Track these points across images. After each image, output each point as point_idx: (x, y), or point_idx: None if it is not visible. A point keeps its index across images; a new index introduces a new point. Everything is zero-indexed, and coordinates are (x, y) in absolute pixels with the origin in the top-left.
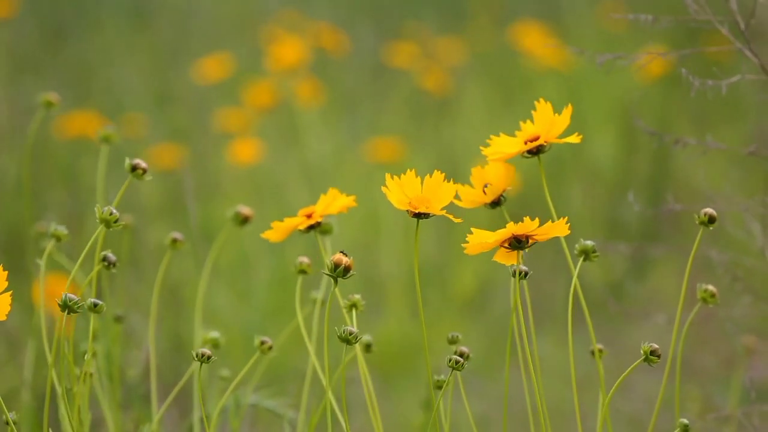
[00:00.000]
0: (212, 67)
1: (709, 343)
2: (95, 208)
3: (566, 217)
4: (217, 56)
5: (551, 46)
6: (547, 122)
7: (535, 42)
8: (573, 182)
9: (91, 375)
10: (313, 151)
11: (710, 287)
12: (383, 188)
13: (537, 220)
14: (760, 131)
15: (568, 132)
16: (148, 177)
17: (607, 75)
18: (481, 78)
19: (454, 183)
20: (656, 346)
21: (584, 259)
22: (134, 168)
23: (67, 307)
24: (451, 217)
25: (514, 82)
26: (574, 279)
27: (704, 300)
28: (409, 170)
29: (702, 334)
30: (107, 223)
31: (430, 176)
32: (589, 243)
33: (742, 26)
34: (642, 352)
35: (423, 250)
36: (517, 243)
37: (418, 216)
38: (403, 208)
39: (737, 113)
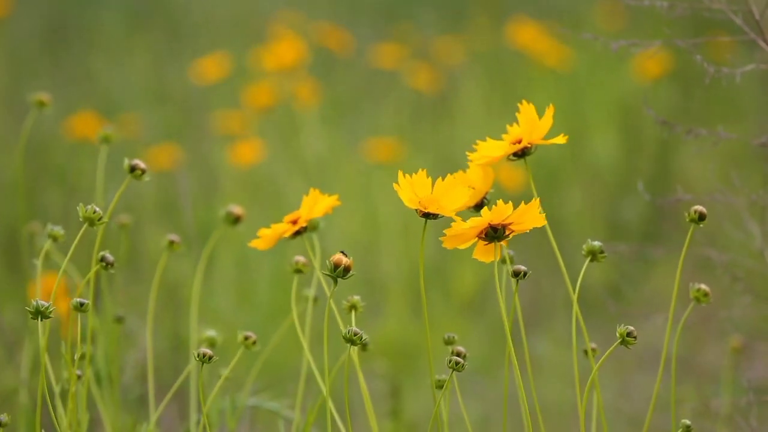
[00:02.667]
0: (210, 67)
1: (710, 342)
2: (78, 207)
3: (538, 199)
4: (214, 56)
5: (559, 39)
6: (530, 124)
7: (534, 41)
8: (573, 182)
9: (81, 376)
10: (311, 151)
11: (703, 286)
12: (395, 185)
13: (510, 204)
14: (762, 128)
15: (566, 132)
16: (146, 177)
17: (608, 74)
18: (480, 78)
19: None
20: (632, 328)
21: (591, 260)
22: (133, 168)
23: (39, 313)
24: (459, 219)
25: (513, 82)
26: (579, 280)
27: (697, 299)
28: (420, 170)
29: (702, 334)
30: (91, 221)
31: (442, 178)
32: (597, 243)
33: (757, 16)
34: (618, 334)
35: (424, 251)
36: (493, 233)
37: (427, 216)
38: (414, 206)
39: (739, 112)
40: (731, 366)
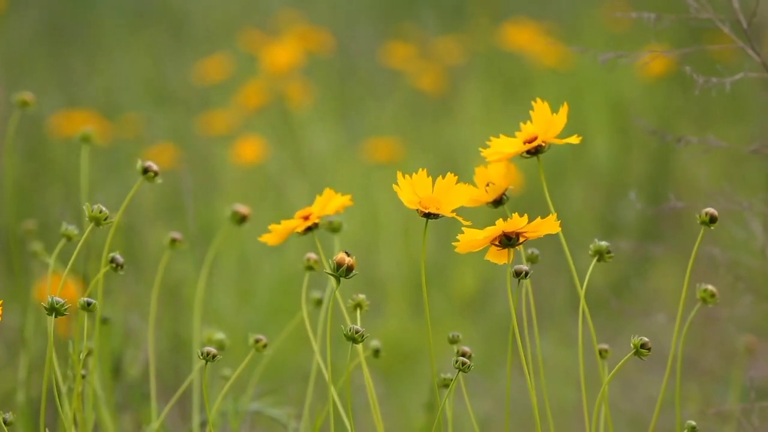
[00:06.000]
0: (212, 68)
1: (711, 342)
2: (84, 207)
3: (555, 214)
4: (216, 57)
5: (552, 45)
6: (545, 122)
7: (534, 41)
8: (573, 182)
9: (86, 375)
10: (312, 152)
11: (710, 287)
12: (394, 186)
13: (526, 216)
14: (762, 130)
15: (567, 131)
16: (159, 180)
17: (608, 74)
18: (480, 78)
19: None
20: (646, 339)
21: (598, 260)
22: (146, 170)
23: (53, 310)
24: (461, 219)
25: (513, 82)
26: (586, 279)
27: (704, 300)
28: (420, 170)
29: (704, 334)
30: (97, 221)
31: (443, 177)
32: (604, 244)
33: (745, 25)
34: (632, 345)
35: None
36: (507, 240)
37: (428, 216)
38: (413, 207)
39: (738, 112)
40: (740, 365)
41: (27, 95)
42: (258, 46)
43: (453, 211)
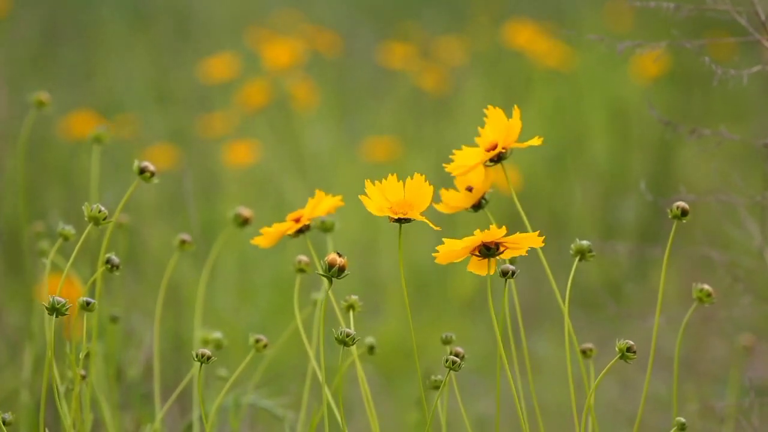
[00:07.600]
0: (217, 67)
1: (710, 343)
2: (83, 206)
3: (539, 231)
4: (221, 56)
5: (559, 40)
6: (503, 128)
7: (536, 41)
8: (573, 182)
9: (85, 376)
10: (312, 152)
11: (706, 286)
12: (361, 197)
13: (504, 228)
14: (764, 128)
15: (566, 131)
16: (155, 180)
17: (608, 74)
18: (481, 78)
19: (449, 185)
20: (632, 343)
21: (580, 259)
22: (142, 171)
23: (54, 309)
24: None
25: (514, 82)
26: (569, 280)
27: (700, 299)
28: (390, 176)
29: (702, 334)
30: (96, 221)
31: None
32: (585, 243)
33: (763, 17)
34: (617, 349)
35: (422, 251)
36: (486, 251)
37: (400, 221)
38: (383, 214)
39: (738, 113)
40: (737, 365)
41: (43, 95)
42: (261, 45)
43: (423, 214)
